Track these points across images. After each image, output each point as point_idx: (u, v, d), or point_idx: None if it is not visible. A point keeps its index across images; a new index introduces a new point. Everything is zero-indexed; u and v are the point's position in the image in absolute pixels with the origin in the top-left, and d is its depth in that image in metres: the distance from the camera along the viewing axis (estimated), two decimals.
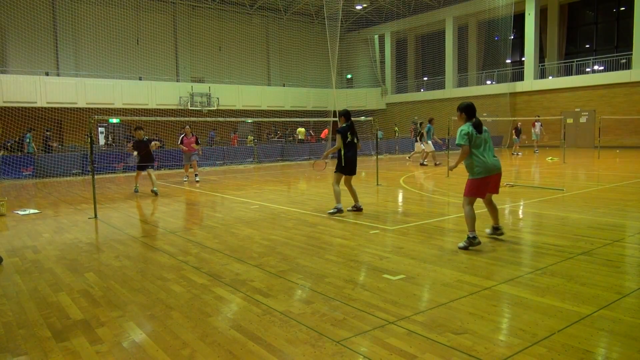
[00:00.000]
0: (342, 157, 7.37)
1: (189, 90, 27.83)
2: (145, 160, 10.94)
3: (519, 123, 23.09)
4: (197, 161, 13.85)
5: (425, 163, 17.21)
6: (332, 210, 7.62)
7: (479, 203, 5.60)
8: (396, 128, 30.35)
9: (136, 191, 11.33)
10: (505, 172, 13.98)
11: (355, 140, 7.53)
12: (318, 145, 24.91)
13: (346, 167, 7.44)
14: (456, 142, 5.36)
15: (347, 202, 7.93)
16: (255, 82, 31.72)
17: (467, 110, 5.37)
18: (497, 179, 5.41)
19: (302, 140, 27.27)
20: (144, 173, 11.23)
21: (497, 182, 5.45)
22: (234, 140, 26.67)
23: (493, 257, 4.91)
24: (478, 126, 5.28)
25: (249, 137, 28.40)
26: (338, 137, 7.40)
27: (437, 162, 17.08)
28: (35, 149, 18.66)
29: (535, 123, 22.51)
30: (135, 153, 10.97)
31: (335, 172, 7.56)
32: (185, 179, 13.90)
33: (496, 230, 5.68)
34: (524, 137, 23.43)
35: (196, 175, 13.78)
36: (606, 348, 2.95)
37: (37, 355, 3.00)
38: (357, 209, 7.75)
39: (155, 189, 10.75)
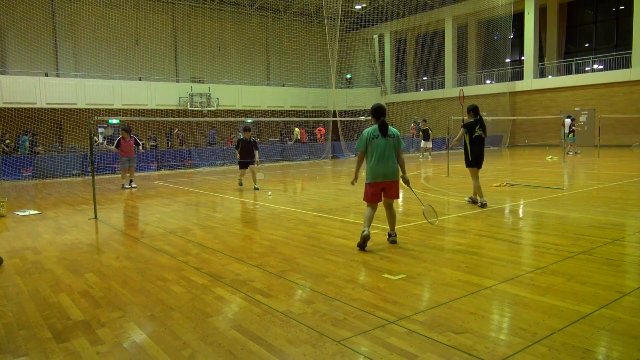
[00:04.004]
0: (469, 152, 7.71)
1: (189, 90, 27.80)
2: (249, 158, 11.76)
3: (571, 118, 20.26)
4: (135, 166, 13.19)
5: None
6: (474, 201, 7.97)
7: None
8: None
9: (240, 184, 12.04)
10: (505, 171, 14.07)
11: (484, 135, 7.77)
12: (318, 145, 24.91)
13: (473, 161, 7.75)
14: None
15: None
16: (255, 82, 31.68)
17: (373, 112, 5.53)
18: (390, 185, 5.43)
19: (300, 140, 27.26)
20: (247, 170, 11.90)
21: (392, 189, 5.46)
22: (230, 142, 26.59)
23: (493, 257, 4.91)
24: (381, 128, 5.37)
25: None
26: (462, 131, 7.78)
27: None
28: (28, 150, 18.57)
29: (565, 121, 19.94)
30: (237, 152, 11.71)
31: (467, 167, 7.91)
32: (127, 186, 12.72)
33: (389, 236, 5.66)
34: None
35: (131, 181, 12.90)
36: (607, 347, 2.95)
37: (38, 356, 3.00)
38: (479, 203, 7.86)
39: (257, 185, 11.62)
